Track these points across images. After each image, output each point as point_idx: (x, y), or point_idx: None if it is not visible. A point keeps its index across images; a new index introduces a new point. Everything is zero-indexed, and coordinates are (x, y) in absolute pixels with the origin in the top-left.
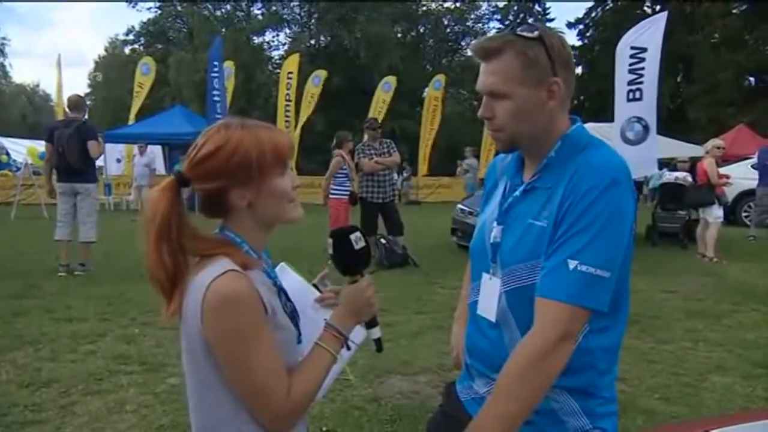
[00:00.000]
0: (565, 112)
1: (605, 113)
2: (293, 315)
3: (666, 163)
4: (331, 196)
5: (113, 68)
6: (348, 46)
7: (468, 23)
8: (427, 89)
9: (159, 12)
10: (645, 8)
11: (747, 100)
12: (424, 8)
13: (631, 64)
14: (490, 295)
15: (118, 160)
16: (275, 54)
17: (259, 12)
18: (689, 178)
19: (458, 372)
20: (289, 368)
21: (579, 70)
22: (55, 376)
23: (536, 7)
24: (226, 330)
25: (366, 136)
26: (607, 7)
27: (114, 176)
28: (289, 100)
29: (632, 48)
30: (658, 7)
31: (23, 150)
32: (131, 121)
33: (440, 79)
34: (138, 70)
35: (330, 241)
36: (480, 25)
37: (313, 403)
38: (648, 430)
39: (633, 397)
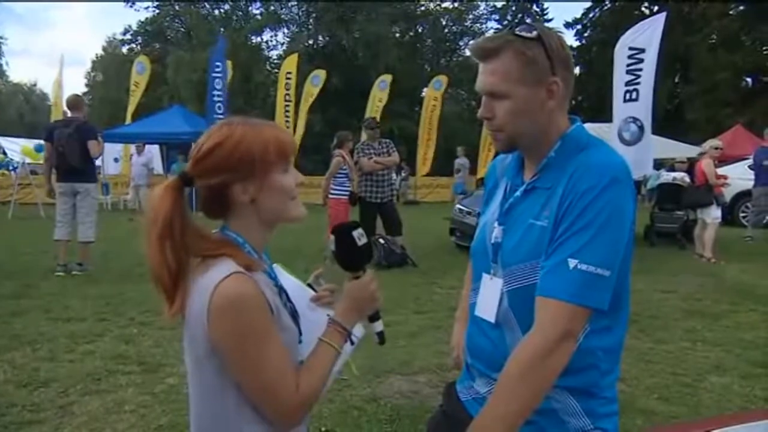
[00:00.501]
0: (565, 111)
1: (603, 114)
2: (294, 314)
3: (663, 164)
4: (330, 196)
5: (111, 68)
6: (346, 46)
7: (466, 23)
8: (425, 89)
9: (157, 11)
10: (643, 9)
11: (744, 101)
12: (423, 8)
13: (629, 65)
14: (489, 296)
15: (116, 160)
16: (273, 54)
17: (257, 12)
18: (687, 179)
19: (457, 372)
20: (294, 366)
21: (577, 70)
22: (53, 376)
23: (534, 7)
24: (235, 331)
25: (365, 136)
26: (605, 8)
27: (112, 176)
28: (289, 100)
29: (630, 49)
30: (656, 8)
31: (19, 149)
32: (128, 120)
33: (441, 79)
34: (133, 68)
35: (332, 237)
36: (478, 25)
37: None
38: (647, 430)
39: (632, 397)
